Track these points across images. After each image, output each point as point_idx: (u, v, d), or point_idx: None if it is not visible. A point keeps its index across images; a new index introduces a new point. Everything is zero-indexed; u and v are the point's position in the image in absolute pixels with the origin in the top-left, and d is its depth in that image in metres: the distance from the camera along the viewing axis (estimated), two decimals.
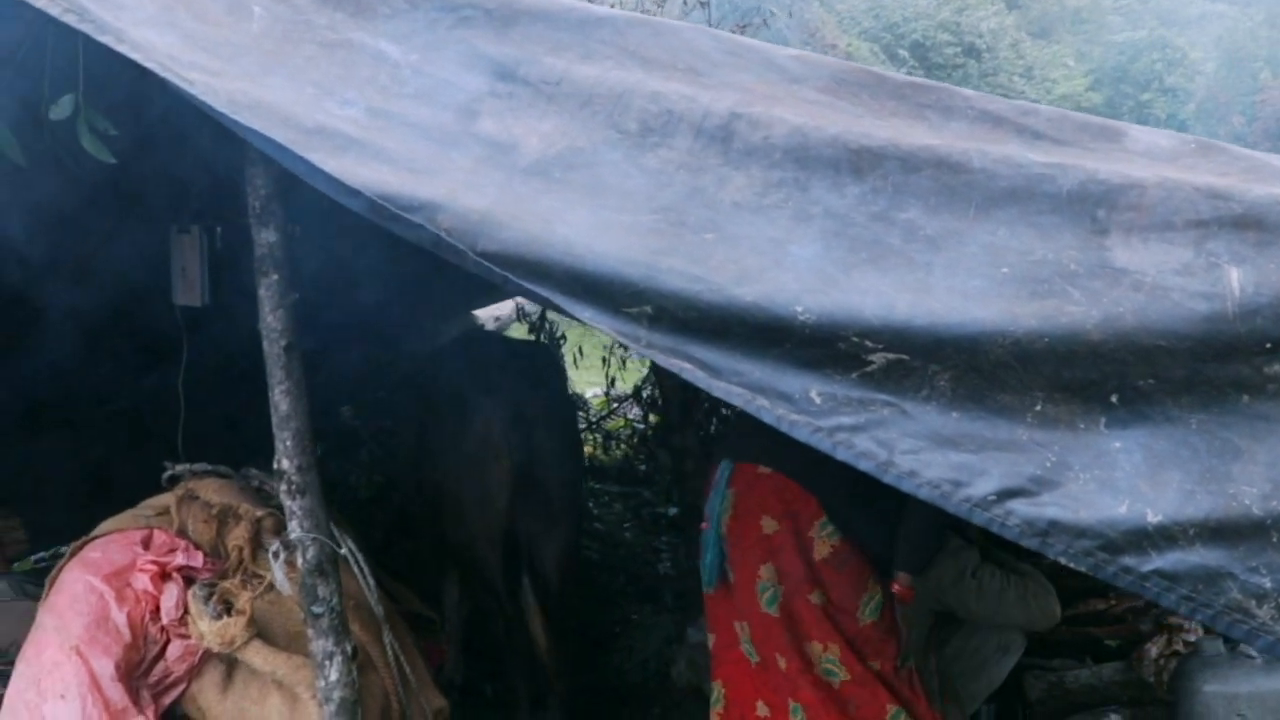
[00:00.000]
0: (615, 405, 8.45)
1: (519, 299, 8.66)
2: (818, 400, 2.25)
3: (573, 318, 2.29)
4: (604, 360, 8.14)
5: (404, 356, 6.58)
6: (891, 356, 2.25)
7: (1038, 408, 2.26)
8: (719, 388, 2.24)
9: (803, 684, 3.51)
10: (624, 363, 8.15)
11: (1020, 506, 2.20)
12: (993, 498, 2.21)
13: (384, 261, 4.94)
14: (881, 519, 3.48)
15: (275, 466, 3.25)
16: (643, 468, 7.92)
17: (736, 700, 3.70)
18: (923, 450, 2.23)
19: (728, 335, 2.26)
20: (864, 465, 2.23)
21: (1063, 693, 4.78)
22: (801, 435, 2.23)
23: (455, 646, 5.02)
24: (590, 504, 7.12)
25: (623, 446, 8.21)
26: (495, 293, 7.99)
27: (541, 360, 4.93)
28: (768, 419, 2.24)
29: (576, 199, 2.39)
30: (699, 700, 5.24)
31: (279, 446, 3.24)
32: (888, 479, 2.22)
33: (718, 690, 3.78)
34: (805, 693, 3.51)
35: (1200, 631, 4.99)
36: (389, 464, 6.20)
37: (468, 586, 4.90)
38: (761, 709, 3.62)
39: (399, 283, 5.64)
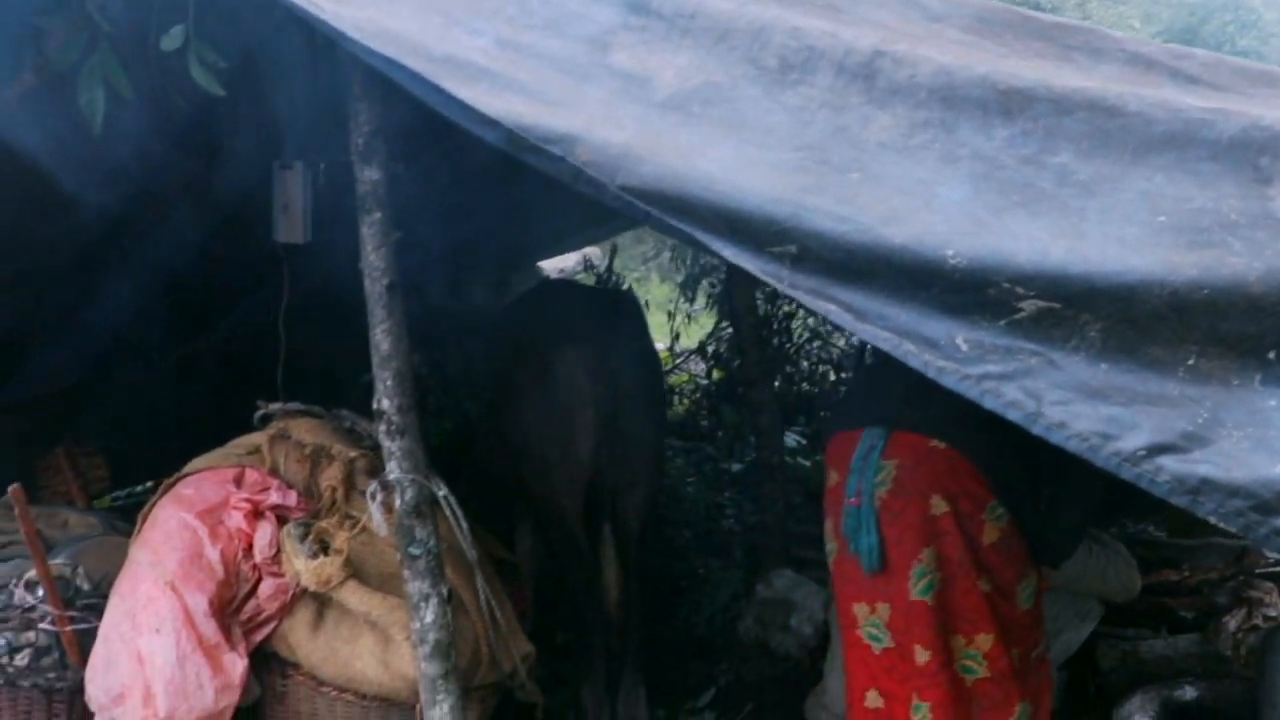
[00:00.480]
0: (679, 360, 8.40)
1: (586, 250, 8.62)
2: (964, 347, 2.18)
3: (714, 255, 2.23)
4: (669, 315, 8.08)
5: (478, 306, 6.57)
6: (1042, 304, 2.18)
7: (1191, 362, 2.18)
8: (865, 330, 2.18)
9: (938, 681, 3.30)
10: (689, 318, 8.09)
11: (1171, 463, 2.13)
12: (1143, 453, 2.13)
13: (456, 209, 4.91)
14: (1040, 504, 3.36)
15: (375, 406, 3.22)
16: (705, 424, 7.87)
17: (848, 686, 3.52)
18: (1072, 402, 2.15)
19: (874, 277, 2.20)
20: (1012, 415, 2.16)
21: (1136, 663, 4.71)
22: (949, 382, 2.17)
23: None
24: None
25: (685, 402, 8.16)
26: (560, 244, 7.97)
27: (626, 308, 4.86)
28: (915, 364, 2.17)
29: (717, 135, 2.32)
30: (766, 656, 5.23)
31: (379, 386, 3.20)
32: (1036, 429, 2.15)
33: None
34: (937, 691, 3.30)
35: None
36: (458, 412, 6.16)
37: (543, 536, 4.86)
38: (873, 699, 3.40)
39: (471, 231, 5.61)
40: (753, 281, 5.70)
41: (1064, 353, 2.18)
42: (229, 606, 3.50)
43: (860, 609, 3.40)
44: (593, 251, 8.80)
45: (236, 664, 3.44)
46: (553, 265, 8.18)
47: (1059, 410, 2.15)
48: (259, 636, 3.55)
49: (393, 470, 3.21)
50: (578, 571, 4.60)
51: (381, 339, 3.18)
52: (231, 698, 3.42)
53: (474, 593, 3.53)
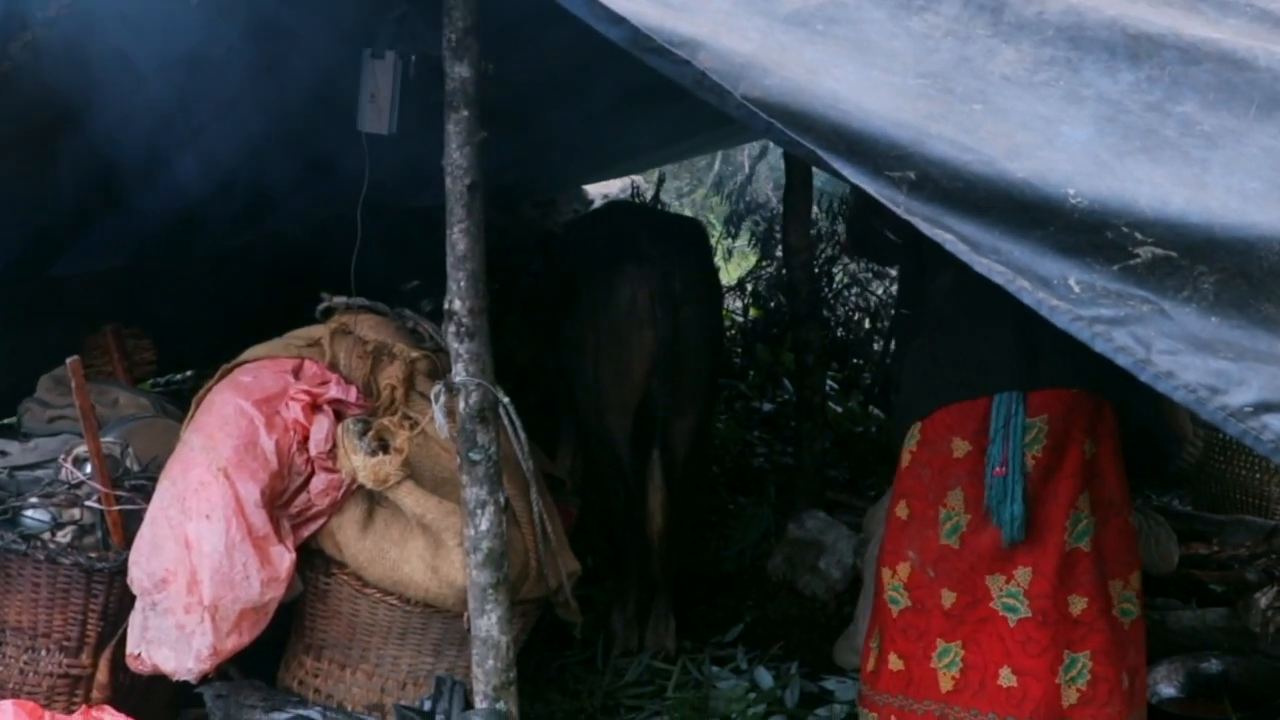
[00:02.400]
0: None
1: (634, 177, 8.57)
2: (1076, 289, 2.15)
3: (833, 173, 2.19)
4: None
5: (525, 221, 6.53)
6: (1159, 252, 2.14)
7: None
8: (980, 264, 2.14)
9: (1098, 627, 3.30)
10: (729, 253, 8.06)
11: (1276, 422, 2.10)
12: (1249, 409, 2.10)
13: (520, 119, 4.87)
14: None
15: (446, 307, 3.20)
16: (738, 361, 7.86)
17: (977, 664, 3.36)
18: (1181, 352, 2.13)
19: (990, 211, 2.16)
20: (1121, 360, 2.13)
21: (1163, 633, 4.72)
22: (1061, 322, 2.14)
23: None
24: None
25: None
26: (610, 169, 7.93)
27: (692, 233, 4.84)
28: (1028, 301, 2.14)
29: (841, 54, 2.28)
30: (792, 595, 5.25)
31: (452, 287, 3.18)
32: (1144, 377, 2.13)
33: (953, 652, 3.39)
34: (1098, 638, 3.30)
35: None
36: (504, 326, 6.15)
37: (587, 457, 4.86)
38: (1006, 677, 3.32)
39: (529, 144, 5.56)
40: (807, 217, 5.66)
41: (1176, 303, 2.15)
42: (280, 499, 3.48)
43: (994, 581, 3.35)
44: (639, 179, 8.76)
45: (284, 557, 3.43)
46: (598, 190, 8.13)
47: (1167, 359, 2.12)
48: (307, 532, 3.54)
49: (459, 373, 3.19)
50: (620, 496, 4.60)
51: (459, 238, 3.15)
52: (277, 591, 3.41)
53: (527, 505, 3.53)
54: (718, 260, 8.01)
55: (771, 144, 10.30)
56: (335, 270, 3.63)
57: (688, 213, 12.43)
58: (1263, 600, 4.77)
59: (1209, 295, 2.16)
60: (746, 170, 10.29)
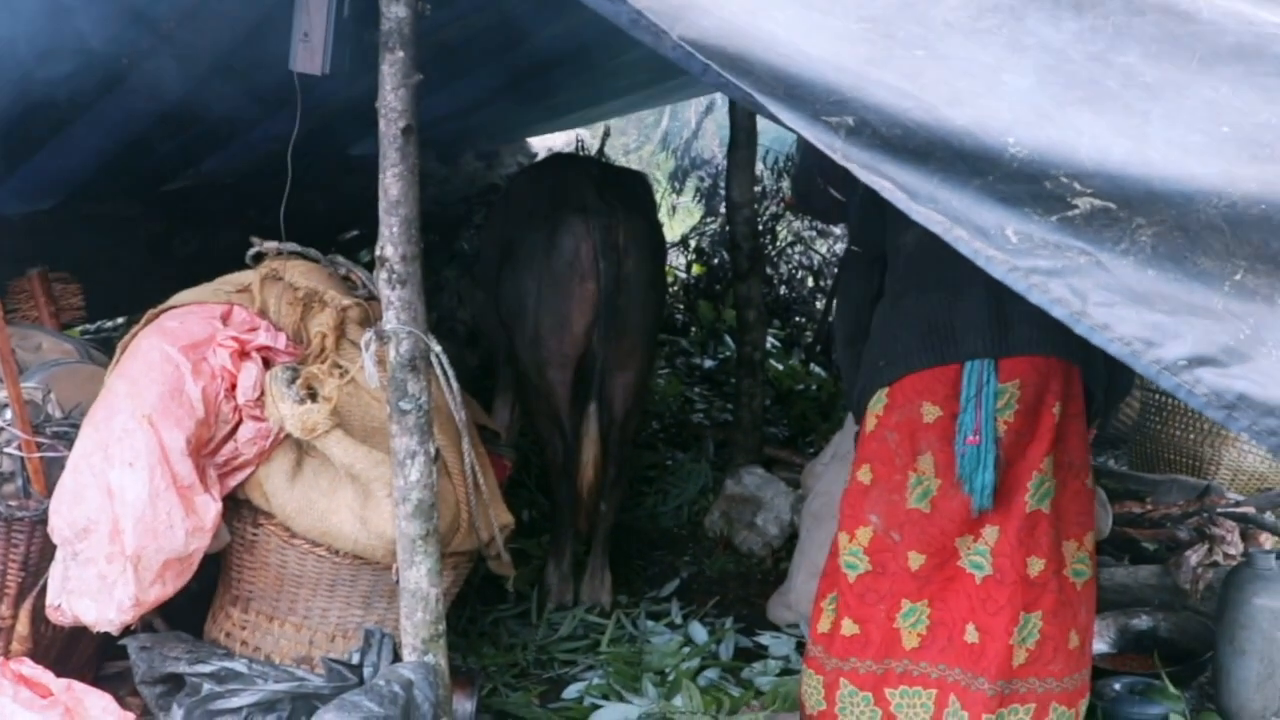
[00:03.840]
0: None
1: (577, 131, 8.47)
2: (1014, 239, 2.13)
3: (770, 117, 2.15)
4: None
5: (467, 173, 6.45)
6: (1098, 203, 2.12)
7: (1238, 276, 2.14)
8: (918, 212, 2.11)
9: (1051, 588, 3.30)
10: (673, 209, 8.01)
11: (1210, 376, 2.10)
12: (1183, 363, 2.10)
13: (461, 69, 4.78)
14: None
15: (378, 253, 3.12)
16: (681, 318, 7.83)
17: (944, 620, 3.36)
18: (1117, 304, 2.11)
19: (929, 159, 2.13)
20: (1057, 312, 2.11)
21: (1097, 590, 4.76)
22: (997, 273, 2.11)
23: None
24: None
25: None
26: (555, 121, 7.83)
27: (636, 186, 4.78)
28: (964, 251, 2.12)
29: None
30: (729, 551, 5.25)
31: (384, 232, 3.10)
32: (1079, 329, 2.11)
33: (919, 611, 3.37)
34: (1050, 597, 3.30)
35: (1242, 544, 5.00)
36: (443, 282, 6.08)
37: (525, 409, 4.81)
38: (971, 634, 3.32)
39: (472, 94, 5.47)
40: (751, 173, 5.62)
41: (1113, 255, 2.14)
42: (206, 447, 3.40)
43: (963, 541, 3.34)
44: (583, 133, 8.67)
45: (210, 507, 3.34)
46: (541, 144, 8.04)
47: (1103, 312, 2.11)
48: (234, 481, 3.45)
49: (390, 320, 3.12)
50: (558, 449, 4.56)
51: (392, 183, 3.08)
52: (202, 541, 3.32)
53: (459, 456, 3.47)
54: (662, 216, 7.94)
55: (719, 99, 10.28)
56: (272, 217, 3.53)
57: (634, 168, 12.39)
58: (1193, 558, 4.83)
59: (1146, 248, 2.15)
60: (693, 126, 10.23)
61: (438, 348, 3.19)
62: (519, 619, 4.48)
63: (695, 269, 8.03)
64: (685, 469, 5.82)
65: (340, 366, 3.44)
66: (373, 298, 3.55)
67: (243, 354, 3.45)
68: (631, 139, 12.28)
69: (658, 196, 8.00)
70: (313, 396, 3.34)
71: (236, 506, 3.51)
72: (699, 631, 4.42)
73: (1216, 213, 2.12)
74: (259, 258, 3.66)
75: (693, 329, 7.72)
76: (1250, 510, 5.20)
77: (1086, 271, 2.13)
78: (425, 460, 3.17)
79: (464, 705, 3.51)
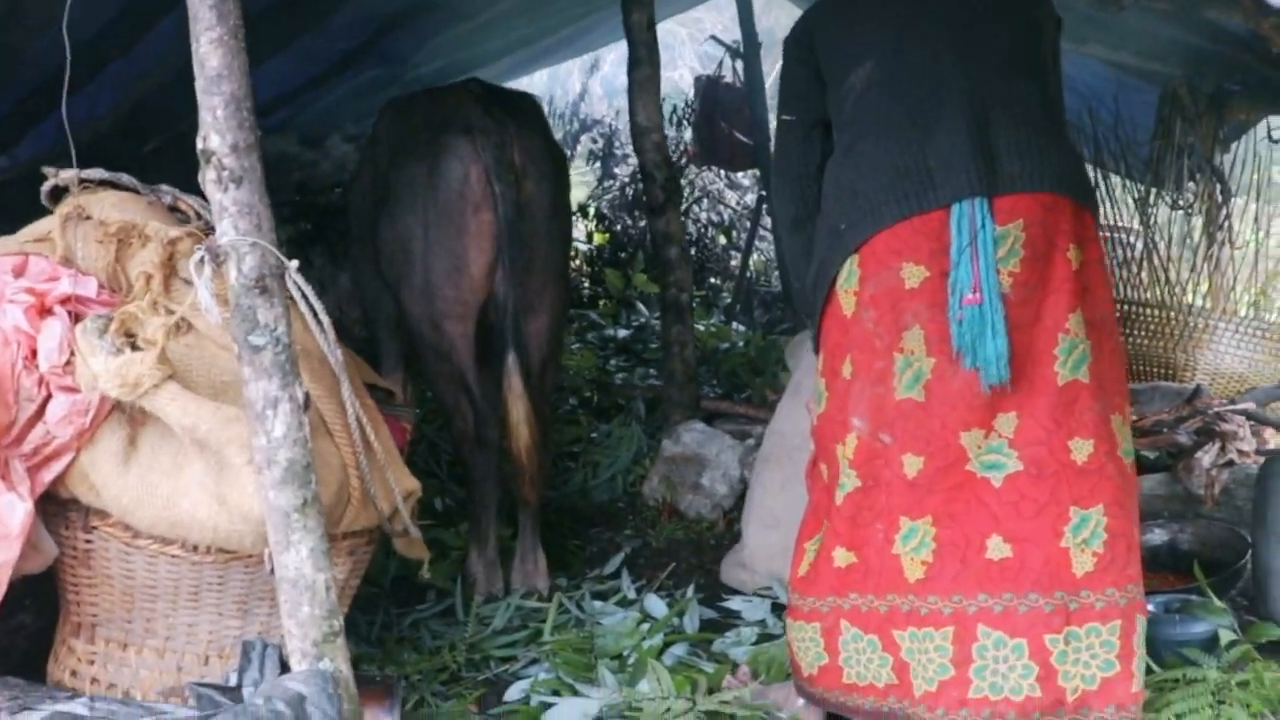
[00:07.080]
0: None
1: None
2: None
3: None
4: None
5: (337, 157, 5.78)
6: None
7: None
8: None
9: (1108, 473, 2.68)
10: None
11: None
12: None
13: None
14: None
15: (201, 146, 2.40)
16: (587, 290, 7.15)
17: (954, 541, 2.72)
18: None
19: None
20: None
21: None
22: None
23: None
24: None
25: None
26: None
27: (526, 105, 4.05)
28: None
29: None
30: (675, 518, 4.60)
31: (205, 118, 2.39)
32: None
33: (921, 531, 2.74)
34: (1110, 485, 2.67)
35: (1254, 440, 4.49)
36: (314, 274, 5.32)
37: (423, 375, 4.08)
38: (997, 548, 2.69)
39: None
40: (656, 94, 4.99)
41: None
42: (5, 435, 2.64)
43: (971, 438, 2.70)
44: None
45: (15, 508, 2.58)
46: None
47: None
48: (49, 474, 2.67)
49: (226, 231, 2.39)
50: (467, 417, 3.82)
51: (209, 52, 2.35)
52: (9, 552, 2.57)
53: (339, 406, 2.75)
54: None
55: (603, 56, 9.67)
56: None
57: None
58: (1205, 459, 4.35)
59: None
60: (578, 89, 9.60)
61: (292, 264, 2.47)
62: (442, 618, 3.73)
63: (598, 238, 7.36)
64: (614, 435, 5.12)
65: (173, 312, 2.69)
66: (212, 230, 2.79)
67: (43, 310, 2.70)
68: None
69: None
70: (134, 346, 2.59)
71: (61, 509, 2.78)
72: (657, 605, 3.71)
73: None
74: (58, 195, 2.90)
75: (602, 301, 7.05)
76: (1250, 407, 4.68)
77: None
78: (292, 408, 2.43)
79: None
